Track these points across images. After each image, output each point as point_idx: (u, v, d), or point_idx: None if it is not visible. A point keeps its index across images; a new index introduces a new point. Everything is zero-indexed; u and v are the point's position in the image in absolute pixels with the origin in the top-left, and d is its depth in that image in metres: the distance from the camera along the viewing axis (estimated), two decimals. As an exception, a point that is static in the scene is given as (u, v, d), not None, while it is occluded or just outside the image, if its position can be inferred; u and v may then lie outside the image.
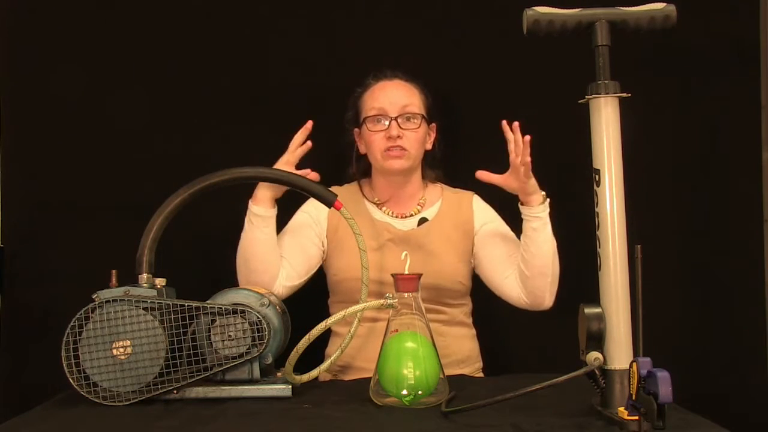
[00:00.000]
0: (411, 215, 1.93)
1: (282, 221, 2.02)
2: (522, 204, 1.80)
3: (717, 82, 2.11)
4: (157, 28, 2.13)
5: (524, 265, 1.81)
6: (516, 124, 1.72)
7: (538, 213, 1.78)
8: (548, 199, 1.80)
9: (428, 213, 1.93)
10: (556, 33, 1.39)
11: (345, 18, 2.15)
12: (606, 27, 1.36)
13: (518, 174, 1.74)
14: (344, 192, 1.92)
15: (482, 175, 1.80)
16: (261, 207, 1.80)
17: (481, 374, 1.94)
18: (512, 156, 1.74)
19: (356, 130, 1.94)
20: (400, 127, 1.84)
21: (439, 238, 1.89)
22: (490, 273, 1.90)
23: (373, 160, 1.91)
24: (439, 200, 1.95)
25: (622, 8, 1.38)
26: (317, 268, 1.91)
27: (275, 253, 1.83)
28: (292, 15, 2.15)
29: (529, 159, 1.72)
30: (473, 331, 1.96)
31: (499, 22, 2.06)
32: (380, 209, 1.93)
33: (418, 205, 1.94)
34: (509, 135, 1.73)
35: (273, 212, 1.83)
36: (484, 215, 1.93)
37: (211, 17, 2.14)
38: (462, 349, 1.90)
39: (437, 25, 2.14)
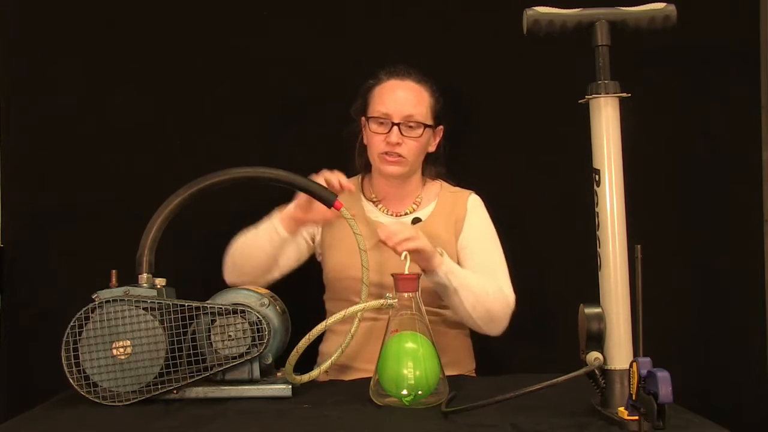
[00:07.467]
0: (405, 214, 1.92)
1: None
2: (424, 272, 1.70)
3: (717, 82, 2.11)
4: (157, 29, 2.13)
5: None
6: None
7: (438, 280, 1.71)
8: (443, 258, 1.71)
9: (422, 213, 1.92)
10: (556, 33, 1.39)
11: (347, 17, 2.14)
12: (606, 27, 1.36)
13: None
14: None
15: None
16: (284, 229, 1.78)
17: (473, 375, 1.93)
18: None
19: (363, 118, 1.92)
20: (401, 133, 1.83)
21: (429, 239, 1.87)
22: None
23: (371, 160, 1.91)
24: (435, 200, 1.94)
25: (622, 8, 1.38)
26: (303, 262, 1.91)
27: (270, 264, 1.82)
28: (294, 14, 2.14)
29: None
30: (466, 331, 1.94)
31: (498, 23, 2.06)
32: (377, 207, 1.93)
33: (413, 203, 1.93)
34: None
35: (289, 237, 1.80)
36: (474, 217, 1.92)
37: (211, 17, 2.13)
38: (456, 349, 1.89)
39: (437, 25, 2.14)
